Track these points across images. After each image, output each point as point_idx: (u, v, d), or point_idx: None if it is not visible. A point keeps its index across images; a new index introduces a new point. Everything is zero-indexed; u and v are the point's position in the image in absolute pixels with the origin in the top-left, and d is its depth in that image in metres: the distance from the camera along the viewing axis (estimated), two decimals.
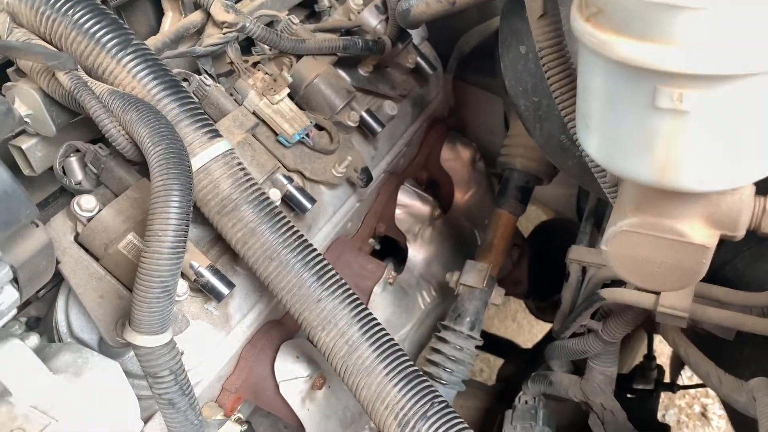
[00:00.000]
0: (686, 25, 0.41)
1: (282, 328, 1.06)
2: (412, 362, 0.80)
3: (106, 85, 0.79)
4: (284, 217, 0.86)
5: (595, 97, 0.50)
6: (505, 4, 0.93)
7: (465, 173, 1.48)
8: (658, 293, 0.79)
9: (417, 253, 1.34)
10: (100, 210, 0.83)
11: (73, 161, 0.87)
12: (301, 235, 0.86)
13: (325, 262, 0.85)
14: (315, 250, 0.86)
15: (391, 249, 1.39)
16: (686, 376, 1.92)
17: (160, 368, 0.75)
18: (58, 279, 0.86)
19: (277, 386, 1.01)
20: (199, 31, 1.04)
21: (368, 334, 0.80)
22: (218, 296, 0.88)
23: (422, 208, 1.36)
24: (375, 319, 0.82)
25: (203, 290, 0.88)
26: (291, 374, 1.02)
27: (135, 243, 0.82)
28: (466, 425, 0.75)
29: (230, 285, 0.88)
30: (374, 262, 1.21)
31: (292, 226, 0.86)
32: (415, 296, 1.28)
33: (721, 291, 0.83)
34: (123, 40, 0.81)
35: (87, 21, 0.79)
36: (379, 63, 1.25)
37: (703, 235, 0.56)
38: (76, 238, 0.84)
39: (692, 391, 2.19)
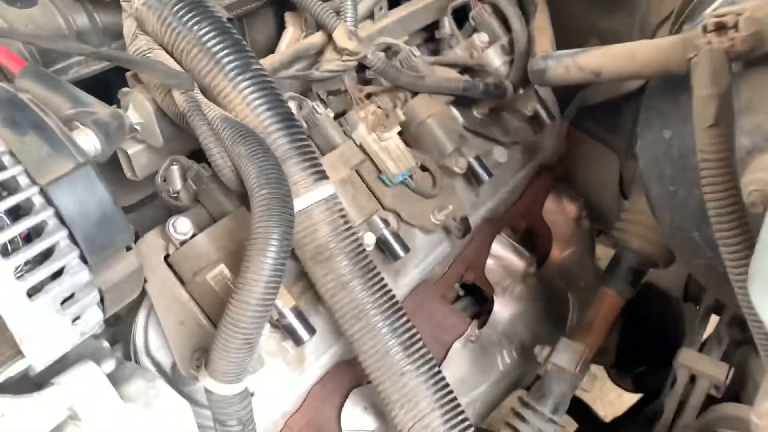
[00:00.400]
0: None
1: (353, 371, 1.01)
2: None
3: (219, 110, 0.76)
4: (378, 273, 0.81)
5: None
6: (654, 81, 0.84)
7: (567, 229, 1.39)
8: None
9: (503, 309, 1.26)
10: (194, 234, 0.80)
11: (175, 170, 0.86)
12: (393, 296, 0.81)
13: (414, 330, 0.79)
14: (405, 314, 0.80)
15: (473, 292, 1.31)
16: None
17: (229, 417, 0.72)
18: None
19: None
20: (318, 53, 1.00)
21: (452, 424, 0.74)
22: (297, 341, 0.84)
23: (516, 262, 1.27)
24: (459, 405, 0.76)
25: (284, 330, 0.84)
26: (357, 425, 0.97)
27: (224, 275, 0.79)
28: None
29: (311, 330, 0.84)
30: (458, 314, 1.14)
31: (385, 285, 0.81)
32: (494, 355, 1.20)
33: None
34: (243, 63, 0.78)
35: (210, 39, 0.77)
36: (496, 106, 1.18)
37: None
38: (166, 258, 0.81)
39: None
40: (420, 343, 0.79)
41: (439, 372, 0.78)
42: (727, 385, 0.98)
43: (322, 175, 0.80)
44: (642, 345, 1.50)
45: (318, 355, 0.94)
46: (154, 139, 0.82)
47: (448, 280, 1.20)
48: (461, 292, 1.27)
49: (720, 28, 0.68)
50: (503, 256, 1.27)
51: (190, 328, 0.80)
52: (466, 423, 0.75)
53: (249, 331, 0.67)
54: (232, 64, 0.77)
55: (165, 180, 0.86)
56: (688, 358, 0.98)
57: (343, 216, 0.80)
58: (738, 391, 1.10)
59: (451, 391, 0.77)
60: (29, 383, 0.65)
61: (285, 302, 0.83)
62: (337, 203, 0.80)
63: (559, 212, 1.39)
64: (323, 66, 0.97)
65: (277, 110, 0.78)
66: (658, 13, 1.06)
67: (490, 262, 1.25)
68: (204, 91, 0.79)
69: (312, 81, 0.99)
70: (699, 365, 0.97)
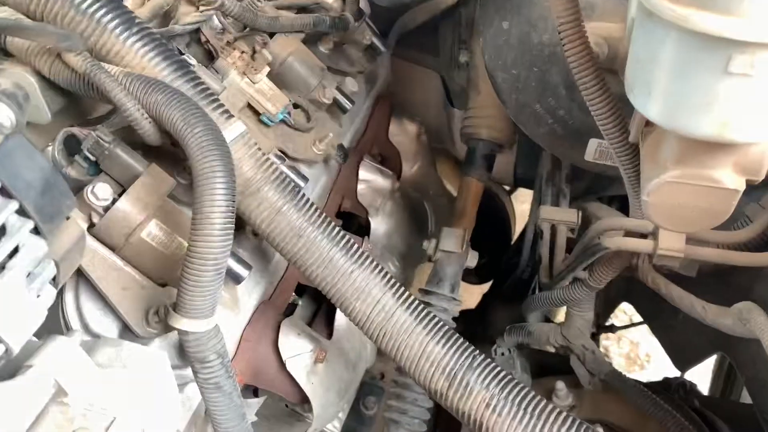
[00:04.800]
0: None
1: (274, 308, 1.07)
2: (445, 323, 0.86)
3: (119, 68, 0.75)
4: (304, 195, 0.87)
5: (662, 66, 0.57)
6: None
7: (411, 147, 1.54)
8: (655, 238, 0.90)
9: (379, 227, 1.38)
10: (115, 199, 0.79)
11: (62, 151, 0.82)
12: (321, 212, 0.88)
13: (349, 237, 0.88)
14: (338, 227, 0.88)
15: (348, 225, 1.42)
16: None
17: (208, 352, 0.75)
18: None
19: (280, 364, 1.02)
20: (167, 12, 1.00)
21: (402, 300, 0.84)
22: (237, 279, 0.88)
23: (383, 182, 1.40)
24: (404, 287, 0.86)
25: None
26: (295, 350, 1.03)
27: (160, 228, 0.79)
28: (510, 374, 0.82)
29: (248, 267, 0.88)
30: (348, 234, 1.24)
31: (312, 204, 0.87)
32: None
33: (709, 232, 0.95)
34: (126, 19, 0.77)
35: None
36: (338, 41, 1.27)
37: (734, 181, 0.66)
38: (89, 229, 0.79)
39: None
40: (356, 246, 0.88)
41: (378, 264, 0.88)
42: (579, 225, 1.21)
43: (230, 114, 0.83)
44: (477, 240, 1.74)
45: (249, 296, 0.98)
46: (42, 115, 0.77)
47: (329, 211, 1.29)
48: (339, 223, 1.37)
49: None
50: (371, 178, 1.38)
51: (133, 290, 0.79)
52: (412, 298, 0.86)
53: (218, 262, 0.70)
54: (116, 21, 0.76)
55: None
56: (546, 212, 1.19)
57: (259, 149, 0.85)
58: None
59: (392, 277, 0.87)
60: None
61: None
62: (251, 138, 0.84)
63: (401, 133, 1.54)
64: (181, 20, 0.98)
65: (172, 59, 0.79)
66: None
67: (360, 186, 1.36)
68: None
69: (172, 38, 0.99)
70: (556, 216, 1.18)
